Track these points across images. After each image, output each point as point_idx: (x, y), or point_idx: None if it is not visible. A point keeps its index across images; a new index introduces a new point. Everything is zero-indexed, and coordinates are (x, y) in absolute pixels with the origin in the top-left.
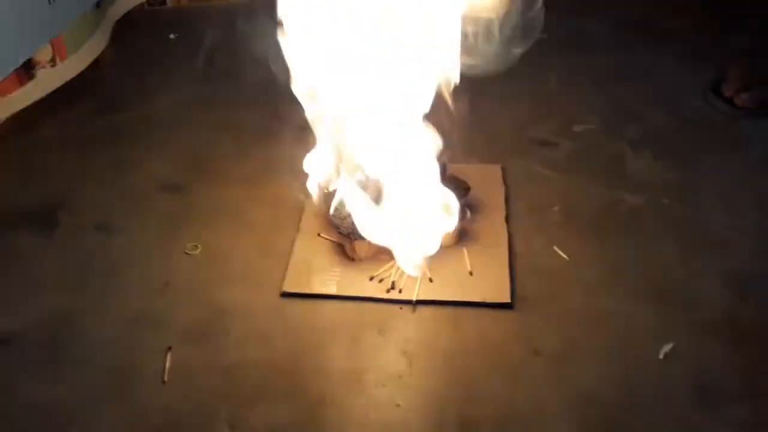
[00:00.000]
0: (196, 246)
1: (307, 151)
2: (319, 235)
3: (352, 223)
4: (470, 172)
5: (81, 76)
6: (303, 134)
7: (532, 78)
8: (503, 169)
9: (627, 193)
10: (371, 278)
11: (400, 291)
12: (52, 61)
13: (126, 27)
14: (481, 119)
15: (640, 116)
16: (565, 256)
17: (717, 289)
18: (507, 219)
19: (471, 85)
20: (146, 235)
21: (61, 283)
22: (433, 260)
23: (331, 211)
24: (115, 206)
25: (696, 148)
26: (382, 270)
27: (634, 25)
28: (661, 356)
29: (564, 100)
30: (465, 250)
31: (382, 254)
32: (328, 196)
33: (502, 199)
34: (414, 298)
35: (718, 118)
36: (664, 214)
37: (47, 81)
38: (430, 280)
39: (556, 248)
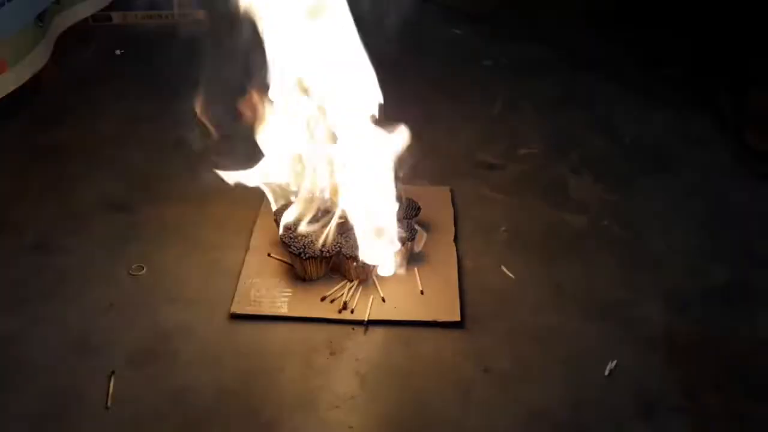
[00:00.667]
0: (141, 267)
1: (258, 167)
2: (269, 255)
3: (303, 242)
4: (420, 193)
5: (22, 91)
6: (253, 151)
7: (478, 103)
8: (452, 191)
9: (569, 214)
10: (323, 298)
11: (352, 311)
12: None
13: (70, 42)
14: (431, 143)
15: (581, 141)
16: (511, 275)
17: (655, 307)
18: (456, 239)
19: (421, 110)
20: (89, 255)
21: None
22: (385, 280)
23: (281, 230)
24: (56, 225)
25: (633, 170)
26: (333, 290)
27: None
28: (606, 373)
29: (509, 124)
30: (416, 270)
31: (334, 274)
32: (279, 214)
33: (451, 220)
34: (366, 318)
35: (654, 142)
36: (604, 234)
37: None
38: (383, 299)
39: (503, 268)
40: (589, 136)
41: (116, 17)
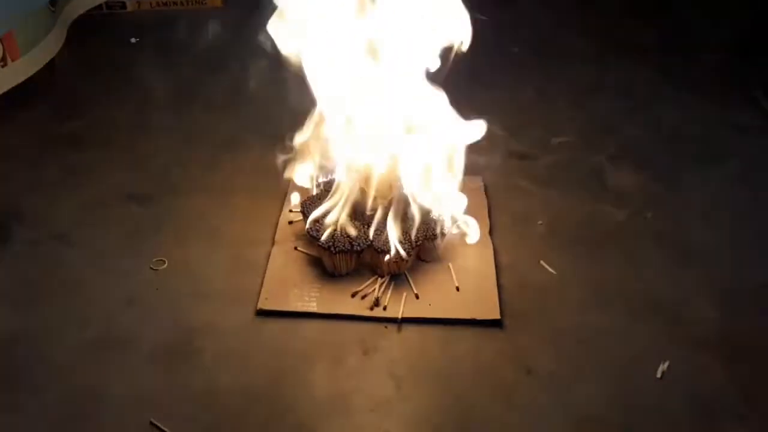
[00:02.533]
0: (163, 261)
1: (281, 158)
2: (295, 248)
3: (332, 235)
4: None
5: (36, 79)
6: (275, 141)
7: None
8: (485, 182)
9: (610, 206)
10: (353, 294)
11: (384, 308)
12: (3, 61)
13: (83, 30)
14: None
15: (618, 130)
16: (552, 270)
17: (707, 305)
18: (491, 233)
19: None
20: (108, 248)
21: (14, 301)
22: (417, 276)
23: (308, 222)
24: (75, 217)
25: (675, 160)
26: (364, 285)
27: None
28: (658, 375)
29: (541, 112)
30: (450, 265)
31: (364, 268)
32: (307, 206)
33: (485, 212)
34: (399, 316)
35: (696, 132)
36: (648, 227)
37: None
38: (416, 296)
39: (543, 263)
40: (626, 125)
41: (130, 4)
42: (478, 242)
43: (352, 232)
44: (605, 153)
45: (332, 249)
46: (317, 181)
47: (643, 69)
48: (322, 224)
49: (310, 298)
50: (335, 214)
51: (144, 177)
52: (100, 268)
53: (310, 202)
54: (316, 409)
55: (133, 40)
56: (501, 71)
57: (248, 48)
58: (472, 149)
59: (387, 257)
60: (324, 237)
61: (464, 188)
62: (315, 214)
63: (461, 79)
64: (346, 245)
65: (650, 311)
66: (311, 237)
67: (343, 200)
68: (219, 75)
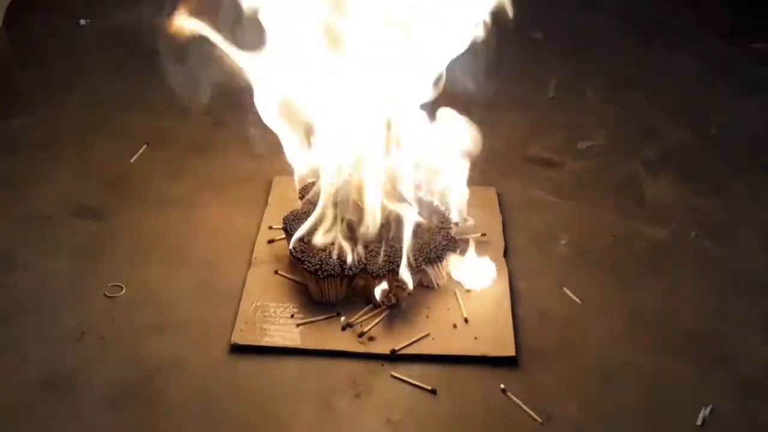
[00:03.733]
0: (120, 286)
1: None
2: (276, 272)
3: (320, 257)
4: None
5: None
6: (252, 144)
7: (527, 85)
8: (498, 194)
9: (646, 224)
10: (344, 327)
11: (373, 342)
12: None
13: (23, 10)
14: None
15: (657, 132)
16: (577, 299)
17: (757, 340)
18: (506, 254)
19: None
20: (53, 271)
21: None
22: (418, 305)
23: (293, 241)
24: (14, 235)
25: (724, 169)
26: (357, 316)
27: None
28: (699, 422)
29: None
30: (457, 292)
31: (356, 296)
32: (291, 222)
33: (499, 230)
34: (397, 352)
35: (745, 133)
36: (691, 249)
37: None
38: (429, 335)
39: (566, 290)
40: (666, 126)
41: None
42: (491, 264)
43: (344, 253)
44: (641, 159)
45: (320, 273)
46: (301, 192)
47: (685, 59)
48: (307, 244)
49: (292, 331)
50: (324, 231)
51: (96, 186)
52: (46, 295)
53: (294, 218)
54: None
55: (82, 22)
56: (520, 60)
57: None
58: (483, 154)
59: (383, 284)
60: (310, 259)
61: (474, 201)
62: (300, 231)
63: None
64: (336, 269)
65: (691, 347)
66: (295, 259)
67: (332, 216)
68: (186, 64)
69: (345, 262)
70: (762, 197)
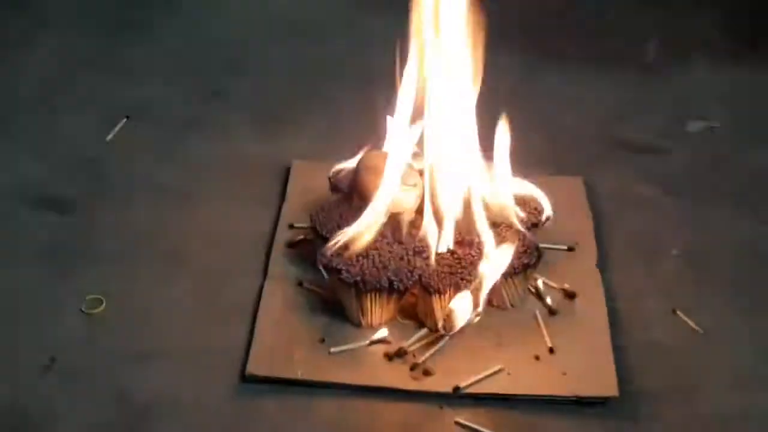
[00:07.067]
0: (99, 300)
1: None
2: (300, 284)
3: (361, 266)
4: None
5: None
6: (259, 119)
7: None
8: (587, 186)
9: None
10: (390, 356)
11: (425, 373)
12: None
13: None
14: (539, 109)
15: None
16: (696, 327)
17: None
18: (600, 265)
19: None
20: (16, 279)
21: None
22: (490, 332)
23: (329, 244)
24: None
25: None
26: (409, 343)
27: None
28: None
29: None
30: (538, 314)
31: (405, 318)
32: (321, 218)
33: (590, 232)
34: (462, 390)
35: None
36: None
37: None
38: (502, 371)
39: (680, 314)
40: None
41: None
42: (582, 279)
43: (391, 260)
44: None
45: (361, 286)
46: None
47: None
48: (342, 247)
49: (324, 360)
50: (365, 231)
51: (62, 172)
52: (5, 311)
53: (325, 213)
54: None
55: None
56: (604, 18)
57: None
58: (565, 137)
59: (444, 301)
60: (348, 268)
61: (557, 195)
62: (335, 232)
63: (536, 28)
64: (382, 281)
65: None
66: (326, 268)
67: (377, 209)
68: (174, 10)
69: (395, 273)
70: None
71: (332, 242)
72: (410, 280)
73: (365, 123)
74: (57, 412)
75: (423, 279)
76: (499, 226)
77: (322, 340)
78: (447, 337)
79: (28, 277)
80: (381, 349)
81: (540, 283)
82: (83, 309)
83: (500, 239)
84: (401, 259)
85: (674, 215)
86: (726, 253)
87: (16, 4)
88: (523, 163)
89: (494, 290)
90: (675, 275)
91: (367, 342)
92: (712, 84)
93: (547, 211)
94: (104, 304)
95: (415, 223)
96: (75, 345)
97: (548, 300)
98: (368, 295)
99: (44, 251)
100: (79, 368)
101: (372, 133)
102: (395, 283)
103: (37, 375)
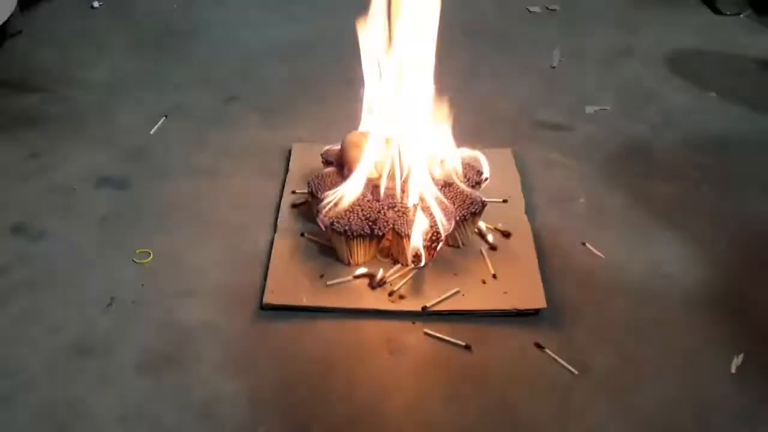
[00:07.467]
0: (147, 252)
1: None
2: (302, 234)
3: (349, 219)
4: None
5: None
6: (266, 114)
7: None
8: (515, 155)
9: (659, 181)
10: (373, 286)
11: (400, 297)
12: None
13: None
14: (479, 99)
15: (659, 96)
16: (600, 254)
17: None
18: (527, 212)
19: (463, 62)
20: (82, 239)
21: None
22: (447, 263)
23: (323, 203)
24: (39, 205)
25: (728, 129)
26: (386, 275)
27: None
28: (732, 370)
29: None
30: (483, 250)
31: (383, 257)
32: (316, 184)
33: (518, 189)
34: (429, 308)
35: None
36: (703, 202)
37: None
38: (459, 293)
39: (588, 245)
40: (667, 90)
41: None
42: (514, 223)
43: (371, 213)
44: (647, 122)
45: (349, 233)
46: (324, 156)
47: (682, 24)
48: (333, 205)
49: (323, 291)
50: (350, 192)
51: (118, 157)
52: (73, 262)
53: (319, 180)
54: (338, 423)
55: (95, 4)
56: (519, 33)
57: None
58: (496, 119)
59: (412, 243)
60: (338, 220)
61: (492, 162)
62: (327, 193)
63: (471, 41)
64: (365, 229)
65: (716, 299)
66: (322, 221)
67: (359, 175)
68: (200, 39)
69: (374, 222)
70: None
71: (326, 202)
72: (386, 228)
73: (348, 114)
74: (118, 338)
75: (396, 227)
76: (451, 184)
77: (321, 276)
78: (415, 270)
79: (92, 237)
80: (366, 281)
81: (483, 226)
82: (135, 260)
83: (452, 195)
84: (379, 212)
85: (579, 174)
86: (618, 199)
87: (83, 35)
88: (467, 137)
89: (450, 233)
90: (582, 217)
91: (355, 276)
92: (600, 78)
93: (486, 173)
94: (152, 255)
95: (388, 185)
96: (130, 287)
97: (490, 239)
98: (354, 240)
99: (103, 217)
100: (134, 304)
101: (352, 123)
102: (375, 230)
103: (100, 311)
